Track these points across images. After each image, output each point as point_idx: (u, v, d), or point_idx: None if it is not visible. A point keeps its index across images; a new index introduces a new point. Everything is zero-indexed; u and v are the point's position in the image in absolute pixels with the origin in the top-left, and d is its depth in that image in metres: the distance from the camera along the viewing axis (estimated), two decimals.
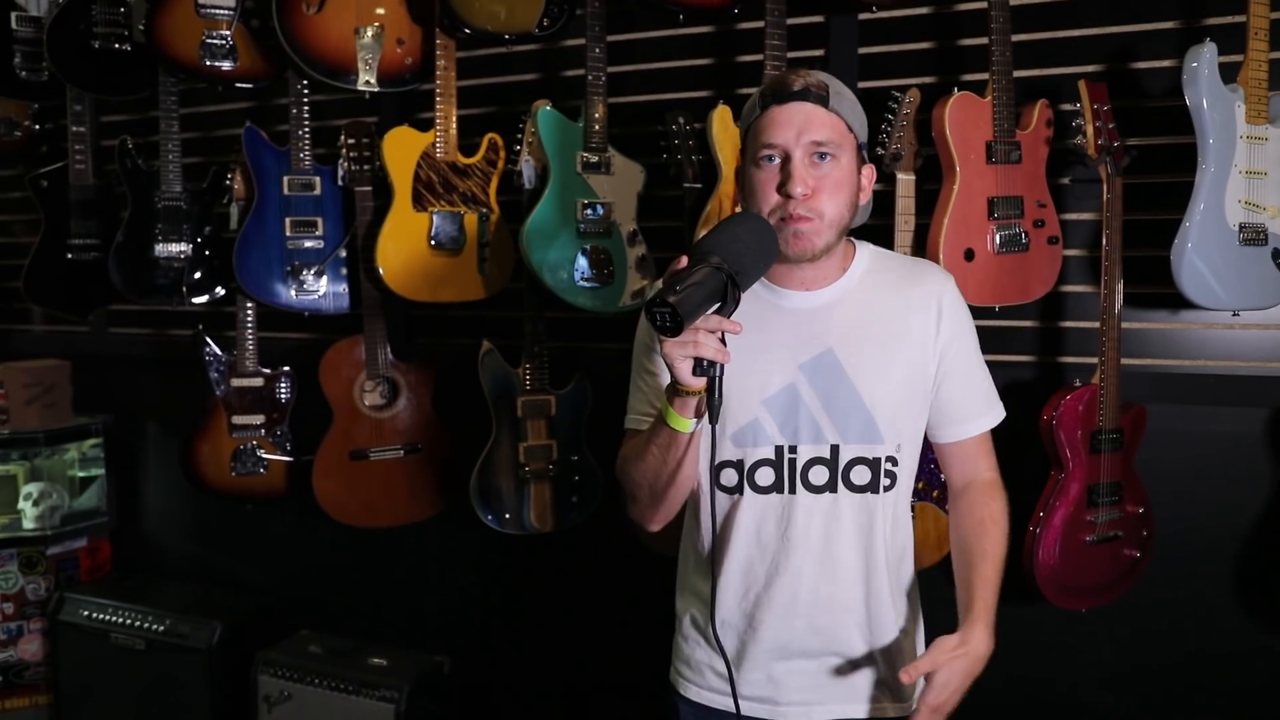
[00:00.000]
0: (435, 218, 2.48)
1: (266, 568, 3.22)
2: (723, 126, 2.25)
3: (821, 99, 1.40)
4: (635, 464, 1.45)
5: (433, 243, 2.48)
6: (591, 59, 2.36)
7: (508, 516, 2.50)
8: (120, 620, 3.02)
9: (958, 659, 1.36)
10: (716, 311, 1.23)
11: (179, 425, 3.19)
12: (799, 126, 1.39)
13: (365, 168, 2.58)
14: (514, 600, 2.93)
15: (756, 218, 1.39)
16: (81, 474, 3.37)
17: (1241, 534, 2.24)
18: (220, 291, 2.86)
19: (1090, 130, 2.03)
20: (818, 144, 1.39)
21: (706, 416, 1.27)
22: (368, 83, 2.54)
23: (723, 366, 1.23)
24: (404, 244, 2.46)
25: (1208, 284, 1.96)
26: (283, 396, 2.82)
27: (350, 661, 2.79)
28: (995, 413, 1.57)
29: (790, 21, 2.28)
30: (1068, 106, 2.18)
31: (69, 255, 2.93)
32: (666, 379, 1.43)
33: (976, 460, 1.56)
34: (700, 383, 1.25)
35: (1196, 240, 1.94)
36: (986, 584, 1.45)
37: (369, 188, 2.59)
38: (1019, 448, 1.88)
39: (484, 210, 2.54)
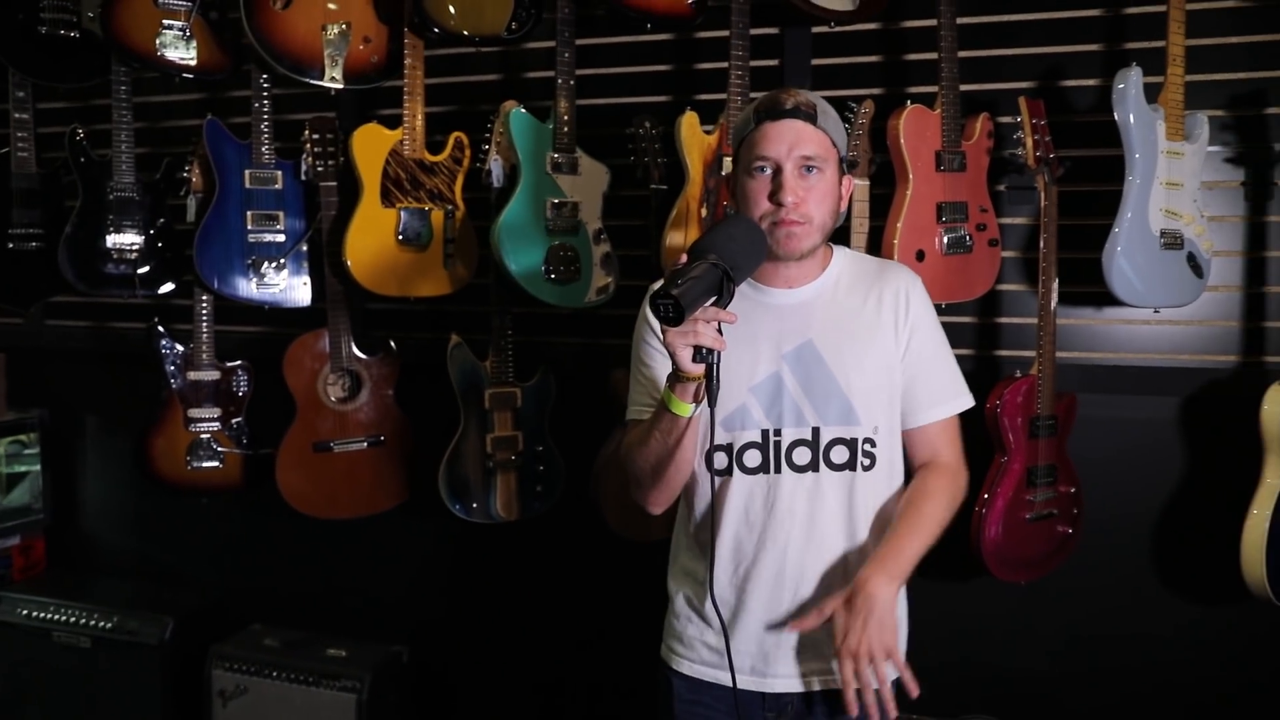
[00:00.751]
0: (403, 214, 2.53)
1: (217, 563, 3.20)
2: (691, 132, 2.37)
3: (810, 117, 1.54)
4: (639, 450, 1.57)
5: (400, 238, 2.53)
6: (561, 62, 2.45)
7: (475, 506, 2.57)
8: (62, 619, 2.95)
9: (844, 601, 1.50)
10: (713, 304, 1.35)
11: (121, 419, 3.17)
12: (790, 142, 1.53)
13: (330, 163, 2.61)
14: (474, 588, 3.00)
15: (748, 220, 1.52)
16: (8, 470, 3.28)
17: (1157, 511, 2.47)
18: (172, 285, 2.84)
19: (1029, 143, 2.22)
20: (807, 158, 1.53)
21: (705, 401, 1.38)
22: (333, 79, 2.57)
23: (719, 354, 1.35)
24: (372, 239, 2.51)
25: (1133, 284, 2.17)
26: (240, 390, 2.82)
27: (307, 653, 2.81)
28: (960, 400, 1.71)
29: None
30: (1005, 119, 2.38)
31: (10, 245, 2.86)
32: (661, 372, 1.56)
33: (937, 445, 1.69)
34: (699, 369, 1.37)
35: (1124, 245, 2.15)
36: (897, 537, 1.57)
37: (334, 183, 2.62)
38: (963, 434, 2.05)
39: (450, 207, 2.60)
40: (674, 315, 1.29)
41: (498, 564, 2.94)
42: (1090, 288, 2.29)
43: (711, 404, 1.38)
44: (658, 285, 1.64)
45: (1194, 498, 2.44)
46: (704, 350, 1.34)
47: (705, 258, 1.35)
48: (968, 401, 1.72)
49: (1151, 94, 2.19)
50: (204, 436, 2.79)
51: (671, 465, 1.54)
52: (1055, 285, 2.23)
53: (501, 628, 2.97)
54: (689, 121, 2.37)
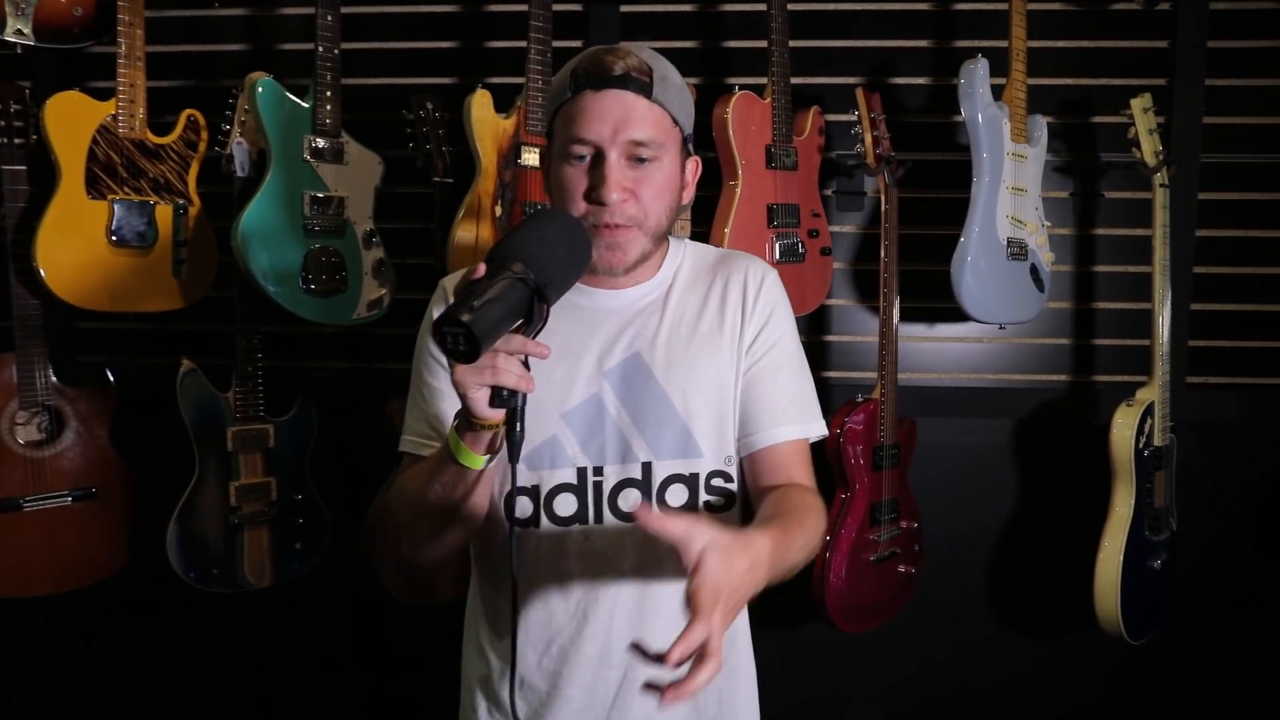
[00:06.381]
0: (117, 207, 2.02)
1: None
2: (482, 114, 1.99)
3: (644, 87, 1.18)
4: (413, 499, 1.16)
5: (114, 238, 2.01)
6: (323, 28, 2.02)
7: (215, 572, 2.07)
8: None
9: (722, 536, 0.96)
10: (519, 330, 0.98)
11: None
12: (616, 122, 1.17)
13: (17, 140, 2.05)
14: (225, 672, 2.45)
15: (566, 216, 1.14)
16: None
17: (992, 539, 2.32)
18: None
19: (868, 139, 1.99)
20: (637, 144, 1.17)
21: (505, 453, 1.01)
22: (19, 32, 2.04)
23: (525, 396, 0.99)
24: (74, 239, 1.98)
25: (982, 298, 1.97)
26: None
27: None
28: (816, 424, 1.37)
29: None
30: (833, 117, 2.15)
31: None
32: (451, 401, 1.15)
33: (790, 470, 1.30)
34: (498, 415, 1.00)
35: (975, 254, 1.95)
36: (781, 527, 1.13)
37: (22, 167, 2.06)
38: None
39: (181, 201, 2.10)
40: (466, 349, 0.91)
41: (251, 639, 2.42)
42: (924, 303, 2.09)
43: (513, 459, 1.01)
44: (450, 281, 1.28)
45: (1031, 527, 2.31)
46: (505, 392, 0.98)
47: (509, 268, 0.97)
48: (823, 429, 1.38)
49: (994, 94, 2.01)
50: None
51: (458, 524, 1.16)
52: (897, 300, 2.01)
53: (264, 718, 2.45)
54: (480, 101, 1.99)
